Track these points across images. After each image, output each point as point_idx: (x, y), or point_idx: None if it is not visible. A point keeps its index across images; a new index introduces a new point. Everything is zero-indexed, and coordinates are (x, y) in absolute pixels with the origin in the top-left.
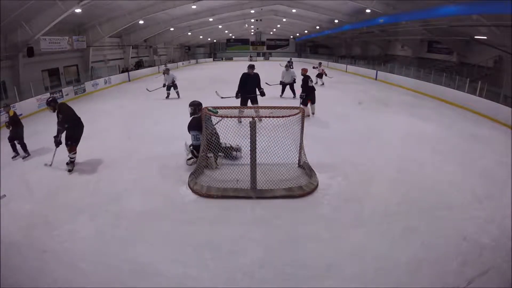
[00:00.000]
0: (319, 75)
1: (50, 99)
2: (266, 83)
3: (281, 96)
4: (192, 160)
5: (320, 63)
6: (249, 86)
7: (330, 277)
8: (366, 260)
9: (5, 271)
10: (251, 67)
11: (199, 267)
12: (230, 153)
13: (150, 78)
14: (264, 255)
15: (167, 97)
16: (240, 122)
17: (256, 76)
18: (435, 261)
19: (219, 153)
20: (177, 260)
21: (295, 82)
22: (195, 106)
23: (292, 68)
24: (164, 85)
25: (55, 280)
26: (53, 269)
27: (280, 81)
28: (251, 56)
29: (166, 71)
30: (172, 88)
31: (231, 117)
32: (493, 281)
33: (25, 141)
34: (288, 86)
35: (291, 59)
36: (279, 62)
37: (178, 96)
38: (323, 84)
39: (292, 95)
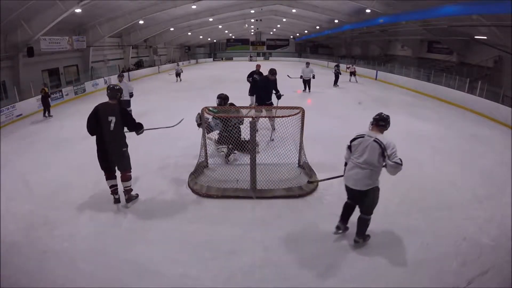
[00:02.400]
0: (353, 73)
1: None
2: (287, 75)
3: (304, 90)
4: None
5: (352, 63)
6: (265, 91)
7: (330, 277)
8: (366, 260)
9: (5, 271)
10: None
11: (199, 267)
12: (245, 146)
13: (150, 78)
14: (264, 255)
15: None
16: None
17: (270, 81)
18: (435, 261)
19: (234, 151)
20: (177, 260)
21: (314, 78)
22: (222, 99)
23: (341, 73)
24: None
25: (55, 280)
26: (53, 269)
27: (300, 76)
28: (251, 56)
29: (120, 78)
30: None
31: (230, 116)
32: (493, 281)
33: (22, 141)
34: (306, 81)
35: (339, 63)
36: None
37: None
38: (356, 81)
39: (308, 90)
